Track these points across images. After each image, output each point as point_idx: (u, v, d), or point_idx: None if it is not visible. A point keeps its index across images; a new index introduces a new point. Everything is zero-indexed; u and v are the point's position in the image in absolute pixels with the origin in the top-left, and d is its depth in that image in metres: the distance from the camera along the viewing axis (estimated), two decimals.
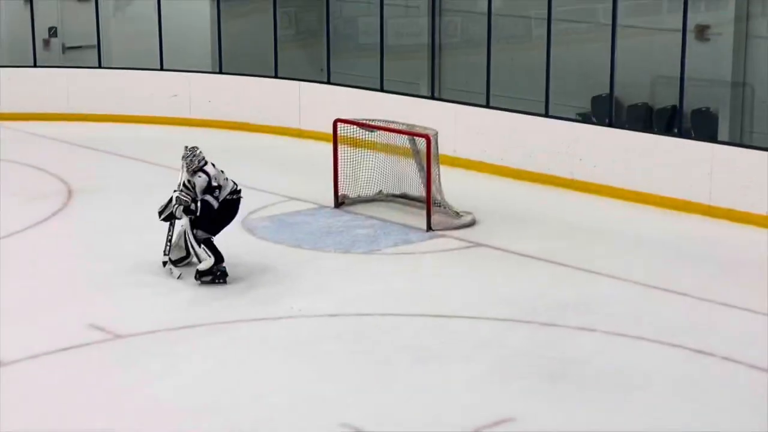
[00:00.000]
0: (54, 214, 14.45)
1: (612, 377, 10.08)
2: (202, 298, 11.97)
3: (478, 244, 13.72)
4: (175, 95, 19.92)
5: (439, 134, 14.74)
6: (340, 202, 15.19)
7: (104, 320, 11.24)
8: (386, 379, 10.10)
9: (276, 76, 19.69)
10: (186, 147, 12.40)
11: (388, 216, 14.78)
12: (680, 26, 15.35)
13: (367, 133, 15.36)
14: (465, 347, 10.77)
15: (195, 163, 12.21)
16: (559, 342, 10.86)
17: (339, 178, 15.19)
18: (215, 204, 12.21)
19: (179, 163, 12.43)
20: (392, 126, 15.09)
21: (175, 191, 12.40)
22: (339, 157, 15.24)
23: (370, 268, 13.06)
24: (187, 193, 12.22)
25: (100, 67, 20.57)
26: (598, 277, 12.67)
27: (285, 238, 13.91)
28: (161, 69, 20.24)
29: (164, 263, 12.59)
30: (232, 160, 17.35)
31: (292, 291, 12.21)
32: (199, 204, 12.16)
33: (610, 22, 16.03)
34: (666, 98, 16.96)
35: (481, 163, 16.93)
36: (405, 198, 15.20)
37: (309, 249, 13.55)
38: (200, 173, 12.21)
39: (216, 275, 12.25)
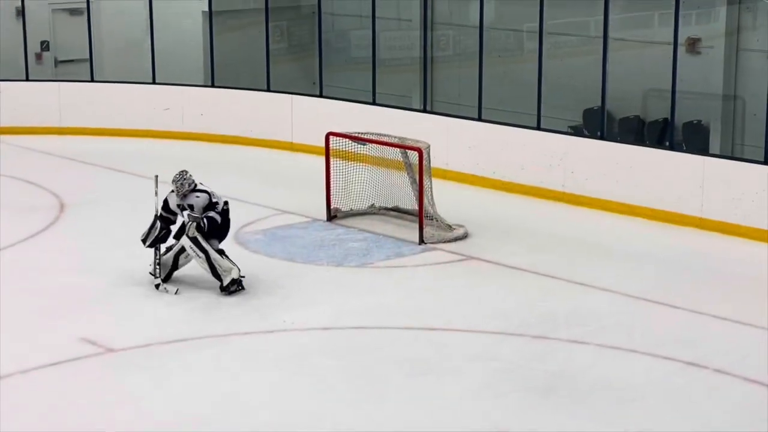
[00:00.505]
0: (46, 227, 14.44)
1: (604, 390, 10.08)
2: (195, 311, 11.97)
3: (471, 257, 13.73)
4: (168, 109, 19.93)
5: (431, 147, 14.77)
6: (332, 215, 15.20)
7: (96, 334, 11.23)
8: (379, 392, 10.10)
9: (268, 90, 19.71)
10: (178, 173, 12.52)
11: (380, 229, 14.79)
12: (671, 39, 15.41)
13: (359, 146, 15.37)
14: (458, 360, 10.77)
15: (185, 186, 12.38)
16: (552, 355, 10.86)
17: (331, 191, 15.20)
18: (219, 219, 12.45)
19: (172, 176, 12.44)
20: (384, 139, 15.10)
21: (156, 215, 12.61)
22: (331, 171, 15.25)
23: (363, 282, 13.05)
24: (189, 214, 12.40)
25: (92, 80, 20.58)
26: (590, 290, 12.69)
27: (277, 251, 13.91)
28: (153, 83, 20.25)
29: (156, 286, 12.58)
30: (224, 174, 17.44)
31: (284, 304, 12.21)
32: (205, 221, 12.35)
33: (602, 36, 16.07)
34: (657, 111, 17.01)
35: (473, 176, 16.95)
36: (397, 211, 15.22)
37: (302, 262, 13.55)
38: (197, 193, 12.42)
39: (239, 283, 12.46)
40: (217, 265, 12.41)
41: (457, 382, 10.27)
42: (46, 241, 14.35)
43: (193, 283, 12.72)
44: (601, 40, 16.07)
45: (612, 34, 16.23)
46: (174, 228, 12.69)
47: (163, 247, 12.70)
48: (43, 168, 17.65)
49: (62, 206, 15.86)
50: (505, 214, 15.73)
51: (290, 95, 19.52)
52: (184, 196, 12.42)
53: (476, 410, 9.73)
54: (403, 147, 14.82)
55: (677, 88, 15.44)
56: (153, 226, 12.66)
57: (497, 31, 18.67)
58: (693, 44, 16.64)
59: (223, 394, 10.00)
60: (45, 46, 21.61)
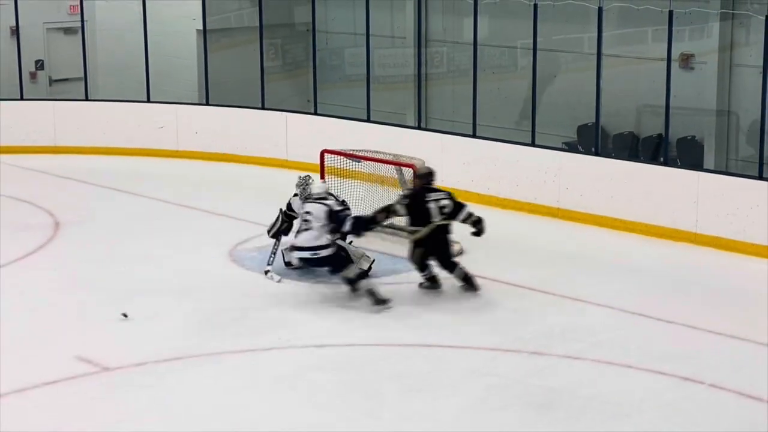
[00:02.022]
0: (41, 246, 14.42)
1: (600, 405, 10.08)
2: (190, 329, 11.96)
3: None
4: (162, 127, 19.95)
5: (425, 164, 14.77)
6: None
7: (92, 352, 11.21)
8: (375, 408, 10.09)
9: (263, 108, 19.73)
10: (299, 176, 13.80)
11: (375, 246, 14.77)
12: (665, 55, 15.45)
13: (354, 163, 15.39)
14: (453, 376, 10.76)
15: (308, 191, 13.41)
16: (547, 371, 10.86)
17: None
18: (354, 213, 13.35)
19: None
20: (379, 156, 15.12)
21: (281, 210, 13.73)
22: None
23: (358, 298, 13.04)
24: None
25: (86, 99, 20.60)
26: (585, 306, 12.70)
27: (272, 269, 13.89)
28: (148, 101, 20.26)
29: (266, 272, 13.54)
30: (219, 192, 17.46)
31: (279, 322, 12.20)
32: (348, 222, 12.97)
33: (596, 52, 16.11)
34: (651, 127, 17.06)
35: (467, 192, 16.94)
36: (392, 228, 15.20)
37: (296, 279, 13.54)
38: (320, 201, 13.05)
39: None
40: (351, 254, 13.17)
41: (452, 398, 10.26)
42: (41, 260, 14.34)
43: (188, 300, 12.72)
44: (595, 56, 16.11)
45: (606, 50, 16.27)
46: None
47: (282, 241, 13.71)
48: (38, 187, 17.64)
49: (57, 225, 15.85)
50: (499, 229, 15.70)
51: (285, 113, 19.54)
52: (306, 199, 13.28)
53: (473, 427, 9.73)
54: (398, 164, 14.84)
55: (671, 103, 15.48)
56: (277, 219, 13.78)
57: (491, 48, 18.74)
58: (686, 60, 16.70)
59: (220, 412, 9.98)
60: (39, 65, 21.64)
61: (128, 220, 16.19)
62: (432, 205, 12.82)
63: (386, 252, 14.53)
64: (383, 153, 15.17)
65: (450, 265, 13.06)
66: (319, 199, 13.08)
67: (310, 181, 13.63)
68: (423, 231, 12.83)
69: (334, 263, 12.91)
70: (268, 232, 13.88)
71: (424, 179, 13.15)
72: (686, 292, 13.20)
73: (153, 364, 11.02)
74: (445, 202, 12.91)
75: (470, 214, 13.10)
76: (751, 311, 12.47)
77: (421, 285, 13.14)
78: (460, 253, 14.15)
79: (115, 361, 11.01)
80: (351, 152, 15.35)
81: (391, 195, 15.03)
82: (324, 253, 12.83)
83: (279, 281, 13.39)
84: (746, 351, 11.37)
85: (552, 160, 16.40)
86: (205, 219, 16.20)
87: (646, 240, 15.18)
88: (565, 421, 9.80)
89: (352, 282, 12.81)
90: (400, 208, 13.02)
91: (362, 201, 15.39)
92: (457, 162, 17.21)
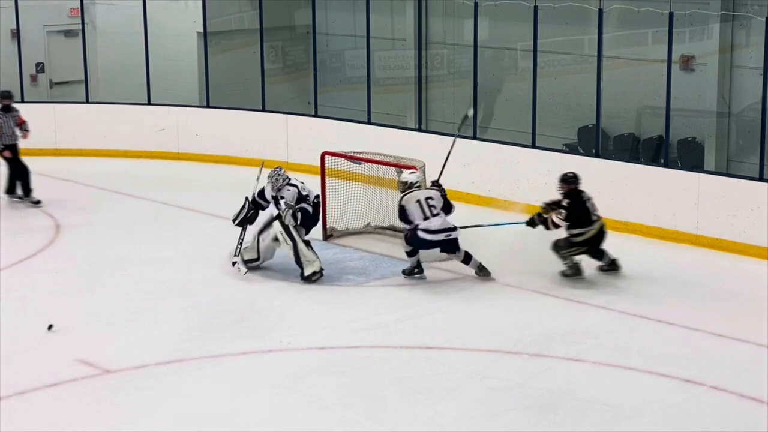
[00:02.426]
0: (42, 249, 14.42)
1: (601, 408, 10.08)
2: (191, 332, 11.96)
3: (466, 276, 13.73)
4: (163, 129, 19.95)
5: (426, 166, 14.79)
6: (328, 234, 15.20)
7: (93, 355, 11.22)
8: (375, 411, 10.09)
9: (263, 110, 19.74)
10: (273, 169, 13.87)
11: (376, 248, 14.79)
12: (665, 57, 15.45)
13: (354, 165, 15.40)
14: (454, 379, 10.76)
15: (280, 180, 13.65)
16: (548, 373, 10.86)
17: (327, 210, 15.20)
18: (311, 210, 13.65)
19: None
20: (380, 158, 15.12)
21: (246, 198, 13.91)
22: (327, 190, 15.26)
23: (359, 301, 13.05)
24: (286, 203, 13.57)
25: (87, 101, 20.61)
26: (585, 308, 12.69)
27: (273, 271, 13.90)
28: (148, 103, 20.27)
29: (233, 263, 13.78)
30: (219, 194, 17.44)
31: (280, 324, 12.21)
32: (299, 213, 13.53)
33: (596, 54, 16.11)
34: (652, 128, 17.07)
35: (468, 194, 16.96)
36: (393, 230, 15.22)
37: (297, 282, 13.54)
38: (287, 187, 13.61)
39: (320, 272, 13.53)
40: (302, 255, 13.50)
41: (453, 401, 10.26)
42: (42, 263, 14.34)
43: (189, 302, 12.73)
44: (595, 58, 16.12)
45: (606, 52, 16.28)
46: (264, 215, 13.93)
47: (249, 230, 13.89)
48: (39, 189, 17.61)
49: (58, 227, 15.86)
50: (499, 231, 15.72)
51: (285, 115, 19.55)
52: (279, 189, 13.62)
53: (474, 430, 9.73)
54: (399, 166, 14.84)
55: (671, 105, 15.48)
56: (243, 207, 13.93)
57: (492, 50, 18.74)
58: (687, 62, 16.70)
59: (220, 415, 9.99)
60: (40, 67, 21.66)
61: (129, 222, 16.19)
62: (589, 205, 13.51)
63: (386, 254, 14.55)
64: (384, 155, 15.18)
65: (600, 253, 13.66)
66: (417, 187, 13.65)
67: (281, 171, 13.79)
68: (593, 230, 13.47)
69: (457, 245, 13.50)
70: (234, 220, 13.98)
71: (573, 182, 13.61)
72: (687, 294, 13.19)
73: (154, 366, 11.02)
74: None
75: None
76: (752, 313, 12.46)
77: (601, 268, 13.75)
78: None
79: (115, 364, 11.01)
80: (352, 154, 15.36)
81: (392, 197, 15.04)
82: (455, 234, 13.44)
83: (245, 273, 13.62)
84: (747, 353, 11.36)
85: (552, 161, 16.38)
86: (206, 221, 16.20)
87: (647, 242, 15.18)
88: (565, 424, 9.80)
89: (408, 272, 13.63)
90: (566, 208, 13.48)
91: (363, 203, 15.43)
92: (458, 164, 17.18)
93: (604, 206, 15.32)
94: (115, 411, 10.08)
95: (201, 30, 20.35)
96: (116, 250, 14.77)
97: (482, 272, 13.60)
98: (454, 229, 13.47)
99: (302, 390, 10.51)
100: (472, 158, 17.13)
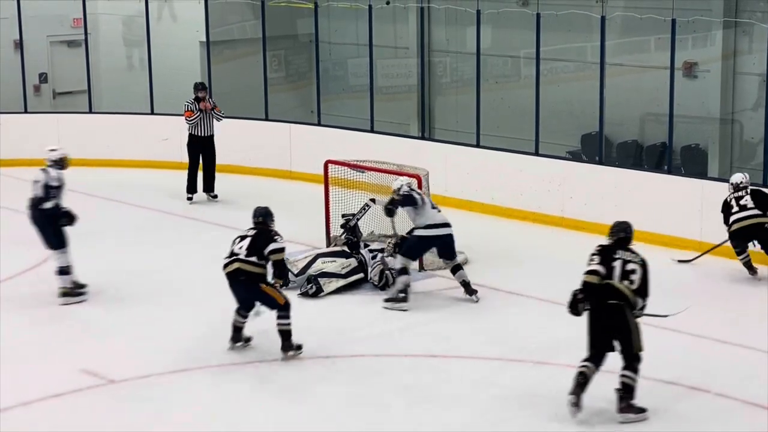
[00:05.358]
0: (45, 259, 14.38)
1: (607, 415, 10.06)
2: (195, 341, 11.95)
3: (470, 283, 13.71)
4: (166, 139, 19.94)
5: (429, 174, 14.79)
6: (332, 243, 15.19)
7: (97, 365, 11.21)
8: (380, 420, 10.08)
9: (266, 119, 19.75)
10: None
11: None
12: (668, 64, 15.45)
13: (357, 174, 15.39)
14: (459, 387, 10.76)
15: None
16: (553, 380, 10.84)
17: (330, 219, 15.20)
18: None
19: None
20: (383, 167, 15.12)
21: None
22: (330, 199, 15.26)
23: (363, 309, 13.04)
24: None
25: (90, 111, 20.62)
26: None
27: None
28: (152, 113, 20.28)
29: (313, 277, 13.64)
30: (222, 203, 17.44)
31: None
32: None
33: (599, 61, 16.12)
34: (655, 135, 17.07)
35: (471, 202, 16.97)
36: (397, 238, 15.17)
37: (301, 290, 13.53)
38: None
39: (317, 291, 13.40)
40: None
41: (459, 409, 10.26)
42: (46, 273, 14.32)
43: (193, 312, 12.72)
44: (598, 65, 16.12)
45: (609, 59, 16.30)
46: None
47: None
48: None
49: None
50: (503, 239, 15.74)
51: (288, 124, 19.56)
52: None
53: None
54: (402, 174, 14.81)
55: (674, 112, 15.48)
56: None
57: (494, 58, 18.76)
58: (690, 68, 16.71)
59: (225, 424, 9.99)
60: (43, 78, 21.67)
61: (132, 231, 16.19)
62: (617, 264, 10.56)
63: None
64: (387, 163, 15.17)
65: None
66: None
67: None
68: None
69: (454, 248, 13.31)
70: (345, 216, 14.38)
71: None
72: (692, 301, 13.14)
73: (158, 376, 11.02)
74: (633, 266, 10.53)
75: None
76: (757, 319, 12.45)
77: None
78: (465, 262, 14.14)
79: (120, 374, 11.00)
80: (355, 163, 15.36)
81: None
82: (451, 231, 13.24)
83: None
84: (753, 359, 11.35)
85: (556, 169, 16.40)
86: (210, 230, 16.20)
87: (651, 248, 15.09)
88: (571, 431, 9.77)
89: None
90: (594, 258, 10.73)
91: (366, 211, 15.38)
92: (461, 172, 17.22)
93: (607, 213, 15.33)
94: (119, 421, 10.08)
95: (204, 39, 20.36)
96: (120, 260, 14.77)
97: (466, 289, 13.16)
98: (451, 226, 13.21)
99: (307, 399, 10.50)
100: (476, 166, 17.13)
